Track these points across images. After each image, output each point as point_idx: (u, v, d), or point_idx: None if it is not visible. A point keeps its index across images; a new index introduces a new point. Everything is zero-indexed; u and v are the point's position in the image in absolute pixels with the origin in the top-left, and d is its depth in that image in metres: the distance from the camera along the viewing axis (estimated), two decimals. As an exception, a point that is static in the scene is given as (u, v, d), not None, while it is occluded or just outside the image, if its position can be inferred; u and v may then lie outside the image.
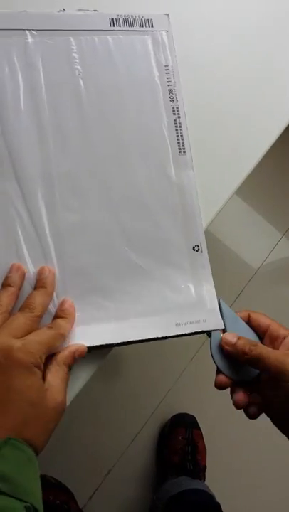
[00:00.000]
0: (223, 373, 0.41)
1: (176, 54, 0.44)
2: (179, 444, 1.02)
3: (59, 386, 0.36)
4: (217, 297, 0.42)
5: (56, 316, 0.39)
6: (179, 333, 0.41)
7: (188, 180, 0.43)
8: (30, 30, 0.42)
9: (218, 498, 0.83)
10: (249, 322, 0.42)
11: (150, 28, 0.44)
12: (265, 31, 0.49)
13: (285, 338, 0.40)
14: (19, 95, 0.41)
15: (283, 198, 1.34)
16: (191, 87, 0.45)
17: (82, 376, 0.40)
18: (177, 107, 0.44)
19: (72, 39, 0.42)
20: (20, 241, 0.40)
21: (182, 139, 0.43)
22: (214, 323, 0.41)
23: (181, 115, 0.44)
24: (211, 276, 0.42)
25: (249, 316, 0.42)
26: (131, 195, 0.41)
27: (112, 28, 0.43)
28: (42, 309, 0.38)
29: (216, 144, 0.46)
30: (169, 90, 0.44)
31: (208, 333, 0.41)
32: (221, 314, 0.42)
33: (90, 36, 0.43)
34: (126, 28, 0.43)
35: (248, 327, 0.42)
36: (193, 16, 0.48)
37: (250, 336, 0.42)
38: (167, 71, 0.44)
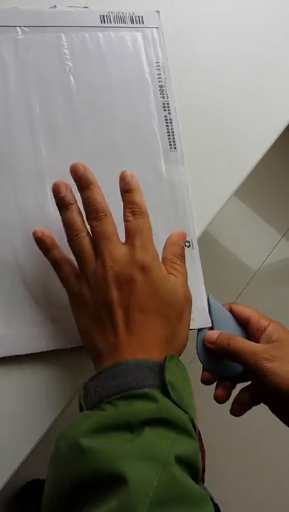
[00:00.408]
0: (207, 370, 0.41)
1: (167, 51, 0.45)
2: None
3: (184, 282, 0.37)
4: (206, 294, 0.42)
5: (124, 191, 0.37)
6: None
7: (179, 176, 0.43)
8: (21, 26, 0.42)
9: (217, 500, 0.83)
10: (232, 314, 0.42)
11: (141, 25, 0.44)
12: (258, 27, 0.49)
13: (265, 329, 0.40)
14: (10, 91, 0.41)
15: (283, 199, 1.34)
16: (191, 89, 0.46)
17: (82, 379, 0.40)
18: (168, 103, 0.44)
19: (62, 35, 0.42)
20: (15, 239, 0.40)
21: (173, 135, 0.43)
22: (202, 321, 0.41)
23: (171, 111, 0.44)
24: (202, 273, 0.42)
25: (231, 308, 0.43)
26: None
27: (103, 24, 0.43)
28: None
29: (214, 145, 0.46)
30: (160, 86, 0.44)
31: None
32: (210, 311, 0.42)
33: (81, 33, 0.43)
34: (116, 25, 0.44)
35: (236, 324, 0.42)
36: (185, 13, 0.48)
37: (238, 332, 0.42)
38: (158, 67, 0.44)
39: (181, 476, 0.27)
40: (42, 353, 0.39)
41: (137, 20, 0.44)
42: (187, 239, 0.42)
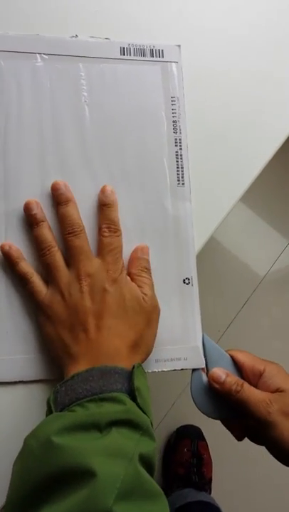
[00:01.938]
0: (202, 412, 0.41)
1: (184, 85, 0.45)
2: (184, 456, 1.02)
3: (152, 293, 0.40)
4: (202, 333, 0.42)
5: (102, 204, 0.40)
6: (156, 370, 0.41)
7: (184, 212, 0.43)
8: (41, 53, 0.42)
9: (225, 511, 0.83)
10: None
11: (160, 59, 0.44)
12: (273, 65, 0.49)
13: (261, 374, 0.40)
14: (23, 116, 0.41)
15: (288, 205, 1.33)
16: (193, 94, 0.46)
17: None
18: (180, 139, 0.44)
19: (81, 65, 0.43)
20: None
21: (182, 171, 0.44)
22: (196, 361, 0.41)
23: (183, 147, 0.44)
24: (199, 311, 0.42)
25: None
26: (126, 223, 0.42)
27: (122, 56, 0.44)
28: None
29: (218, 151, 0.46)
30: (174, 122, 0.44)
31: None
32: (204, 349, 0.42)
33: (100, 64, 0.43)
34: (136, 58, 0.44)
35: (234, 365, 0.42)
36: (204, 47, 0.48)
37: (236, 374, 0.41)
38: (173, 102, 0.44)
39: (143, 473, 0.30)
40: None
41: (157, 54, 0.44)
42: (187, 276, 0.43)
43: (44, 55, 0.42)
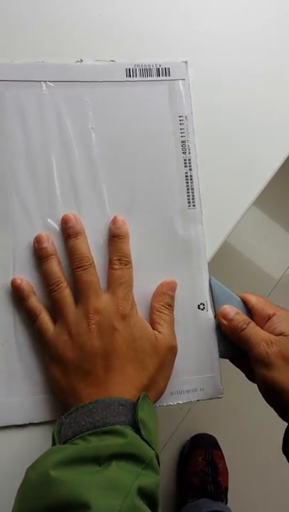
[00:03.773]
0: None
1: (192, 103, 0.43)
2: (199, 465, 1.01)
3: (170, 332, 0.39)
4: (209, 277, 0.41)
5: (113, 235, 0.40)
6: (172, 404, 0.40)
7: (196, 234, 0.42)
8: (46, 81, 0.42)
9: None
10: None
11: (167, 78, 0.43)
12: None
13: (269, 318, 0.39)
14: (31, 145, 0.41)
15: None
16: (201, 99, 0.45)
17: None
18: (189, 159, 0.43)
19: (87, 91, 0.42)
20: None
21: (193, 192, 0.43)
22: (213, 392, 0.40)
23: (192, 167, 0.43)
24: (215, 337, 0.41)
25: None
26: (137, 250, 0.41)
27: (128, 78, 0.43)
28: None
29: (230, 154, 0.45)
30: (182, 142, 0.43)
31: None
32: (212, 292, 0.41)
33: (106, 88, 0.43)
34: (142, 79, 0.43)
35: (243, 306, 0.41)
36: (211, 64, 0.46)
37: (245, 313, 0.41)
38: (181, 122, 0.43)
39: (140, 506, 0.29)
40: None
41: (163, 73, 0.43)
42: (201, 301, 0.42)
43: (49, 83, 0.42)
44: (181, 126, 0.43)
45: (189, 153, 0.43)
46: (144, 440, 0.32)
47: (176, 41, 0.46)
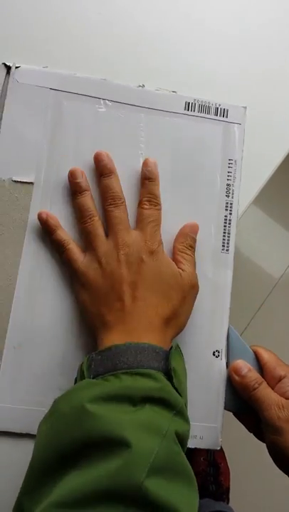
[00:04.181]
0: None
1: (244, 148, 0.43)
2: (201, 465, 1.00)
3: (192, 270, 0.39)
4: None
5: (144, 177, 0.40)
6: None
7: (225, 280, 0.41)
8: (105, 99, 0.42)
9: None
10: None
11: (224, 119, 0.43)
12: None
13: (280, 379, 0.39)
14: (78, 161, 0.41)
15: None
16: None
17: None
18: (231, 203, 0.42)
19: (143, 116, 0.42)
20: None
21: (228, 237, 0.42)
22: (211, 442, 0.39)
23: (233, 212, 0.42)
24: (224, 389, 0.40)
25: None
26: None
27: (186, 112, 0.43)
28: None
29: None
30: (227, 185, 0.42)
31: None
32: (228, 342, 0.41)
33: (162, 117, 0.42)
34: (199, 115, 0.43)
35: (255, 361, 0.40)
36: (269, 111, 0.46)
37: (256, 370, 0.40)
38: (230, 165, 0.43)
39: (178, 451, 0.29)
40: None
41: (221, 113, 0.43)
42: (217, 348, 0.41)
43: (108, 102, 0.42)
44: (229, 170, 0.43)
45: (232, 197, 0.42)
46: (175, 389, 0.33)
47: (238, 84, 0.46)
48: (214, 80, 0.46)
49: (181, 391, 0.33)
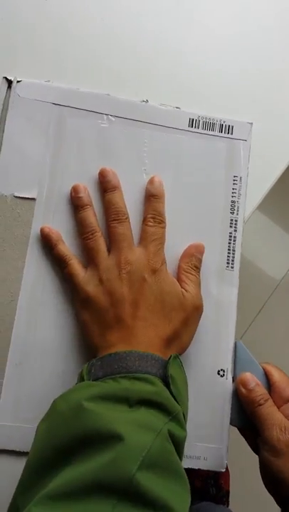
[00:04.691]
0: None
1: (249, 165, 0.43)
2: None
3: (197, 292, 0.39)
4: (235, 340, 0.40)
5: (150, 194, 0.40)
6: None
7: (229, 298, 0.41)
8: (108, 115, 0.42)
9: None
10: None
11: (228, 135, 0.43)
12: None
13: (288, 401, 0.38)
14: (81, 176, 0.41)
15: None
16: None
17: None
18: (236, 220, 0.42)
19: (147, 132, 0.42)
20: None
21: (233, 254, 0.42)
22: (216, 464, 0.39)
23: (238, 229, 0.42)
24: (230, 409, 0.39)
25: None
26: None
27: (190, 128, 0.42)
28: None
29: None
30: (232, 202, 0.42)
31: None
32: (236, 356, 0.40)
33: (166, 133, 0.42)
34: (204, 132, 0.42)
35: (264, 378, 0.39)
36: (275, 128, 0.46)
37: (265, 385, 0.39)
38: (235, 182, 0.42)
39: (171, 450, 0.29)
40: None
41: (226, 130, 0.43)
42: (222, 367, 0.40)
43: (111, 117, 0.42)
44: (234, 186, 0.42)
45: (237, 214, 0.42)
46: (173, 396, 0.33)
47: (242, 101, 0.45)
48: (220, 94, 0.46)
49: (179, 400, 0.33)
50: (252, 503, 1.07)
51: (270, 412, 0.37)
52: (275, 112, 0.47)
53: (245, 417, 0.38)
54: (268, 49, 0.47)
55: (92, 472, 0.26)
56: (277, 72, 0.47)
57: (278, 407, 0.38)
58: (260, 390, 0.38)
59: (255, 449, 0.39)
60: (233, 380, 0.40)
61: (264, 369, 0.40)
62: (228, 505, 0.95)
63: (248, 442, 0.41)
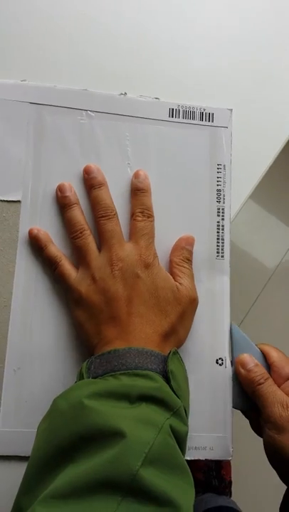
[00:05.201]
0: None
1: (232, 152, 0.43)
2: (203, 460, 0.99)
3: (191, 285, 0.38)
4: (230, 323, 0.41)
5: (136, 189, 0.40)
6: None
7: (221, 286, 0.41)
8: (86, 110, 0.41)
9: None
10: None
11: (209, 123, 0.43)
12: None
13: (287, 379, 0.38)
14: (65, 174, 0.40)
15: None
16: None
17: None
18: (223, 209, 0.42)
19: (128, 125, 0.41)
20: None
21: (222, 243, 0.42)
22: (222, 452, 0.39)
23: (225, 217, 0.42)
24: (231, 396, 0.40)
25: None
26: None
27: (170, 119, 0.42)
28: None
29: None
30: (218, 190, 0.42)
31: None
32: (232, 340, 0.40)
33: (146, 125, 0.42)
34: (184, 121, 0.42)
35: (262, 359, 0.40)
36: (265, 115, 0.46)
37: (263, 366, 0.40)
38: (219, 170, 0.42)
39: (173, 444, 0.29)
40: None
41: (206, 118, 0.43)
42: (220, 356, 0.40)
43: (90, 112, 0.41)
44: (218, 175, 0.42)
45: (224, 202, 0.42)
46: (174, 392, 0.32)
47: (223, 86, 0.45)
48: (200, 82, 0.45)
49: (180, 395, 0.33)
50: (254, 493, 1.08)
51: (271, 390, 0.37)
52: (263, 98, 0.46)
53: (247, 398, 0.39)
54: (252, 34, 0.47)
55: (95, 470, 0.26)
56: (261, 61, 0.47)
57: (278, 386, 0.38)
58: (259, 370, 0.38)
59: (258, 431, 0.40)
60: (232, 364, 0.40)
61: (261, 350, 0.40)
62: (231, 496, 0.97)
63: (251, 425, 0.41)
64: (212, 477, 0.97)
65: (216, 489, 0.95)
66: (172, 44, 0.45)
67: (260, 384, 0.37)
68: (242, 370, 0.39)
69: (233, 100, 0.44)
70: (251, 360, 0.39)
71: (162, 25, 0.46)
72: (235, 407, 0.40)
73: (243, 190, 0.44)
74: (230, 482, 1.00)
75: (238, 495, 0.98)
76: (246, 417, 0.41)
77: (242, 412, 0.41)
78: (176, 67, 0.45)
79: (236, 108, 0.43)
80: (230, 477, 1.00)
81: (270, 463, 0.38)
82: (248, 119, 0.44)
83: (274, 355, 0.40)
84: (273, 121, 0.46)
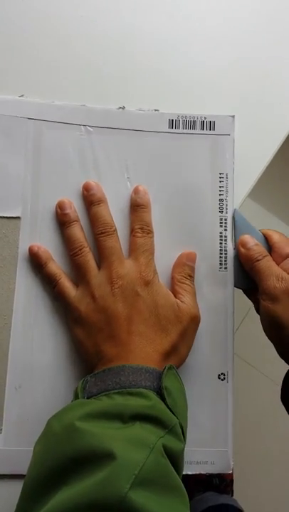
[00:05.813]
0: None
1: (235, 160, 0.42)
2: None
3: (193, 302, 0.38)
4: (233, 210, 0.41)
5: (135, 204, 0.39)
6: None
7: (224, 299, 0.40)
8: (85, 125, 0.41)
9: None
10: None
11: (211, 132, 0.42)
12: None
13: (287, 257, 0.39)
14: (65, 190, 0.40)
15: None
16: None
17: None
18: (225, 219, 0.41)
19: (127, 139, 0.41)
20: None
21: (225, 254, 0.41)
22: (223, 466, 0.38)
23: (228, 228, 0.41)
24: (232, 411, 0.39)
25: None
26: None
27: (170, 130, 0.41)
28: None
29: None
30: (220, 200, 0.41)
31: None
32: (235, 224, 0.40)
33: (146, 138, 0.41)
34: (185, 131, 0.41)
35: (264, 242, 0.40)
36: (261, 115, 0.44)
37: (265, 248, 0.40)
38: (221, 179, 0.41)
39: (165, 464, 0.29)
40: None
41: (207, 126, 0.42)
42: (222, 371, 0.39)
43: (89, 127, 0.41)
44: (221, 184, 0.41)
45: (226, 212, 0.41)
46: (169, 408, 0.32)
47: (222, 93, 0.44)
48: (199, 88, 0.44)
49: (176, 412, 0.32)
50: (256, 491, 1.07)
51: (268, 265, 0.38)
52: (261, 97, 0.45)
53: (248, 277, 0.40)
54: (249, 35, 0.46)
55: (85, 492, 0.26)
56: (260, 60, 0.46)
57: (278, 264, 0.38)
58: (258, 249, 0.39)
59: (257, 308, 0.40)
60: (235, 247, 0.40)
61: (264, 233, 0.41)
62: (232, 494, 0.95)
63: (252, 301, 0.42)
64: (213, 476, 0.96)
65: (217, 488, 0.94)
66: (170, 47, 0.45)
67: (258, 260, 0.38)
68: (242, 249, 0.39)
69: (233, 100, 0.43)
70: (251, 240, 0.39)
71: (163, 37, 0.45)
72: (236, 285, 0.40)
73: (241, 189, 0.43)
74: (231, 481, 0.98)
75: (240, 493, 0.96)
76: (247, 295, 0.42)
77: (244, 291, 0.42)
78: (171, 75, 0.44)
79: (235, 108, 0.42)
80: (231, 476, 0.99)
81: (266, 334, 0.38)
82: (246, 118, 0.43)
83: (275, 236, 0.40)
84: (271, 120, 0.44)
